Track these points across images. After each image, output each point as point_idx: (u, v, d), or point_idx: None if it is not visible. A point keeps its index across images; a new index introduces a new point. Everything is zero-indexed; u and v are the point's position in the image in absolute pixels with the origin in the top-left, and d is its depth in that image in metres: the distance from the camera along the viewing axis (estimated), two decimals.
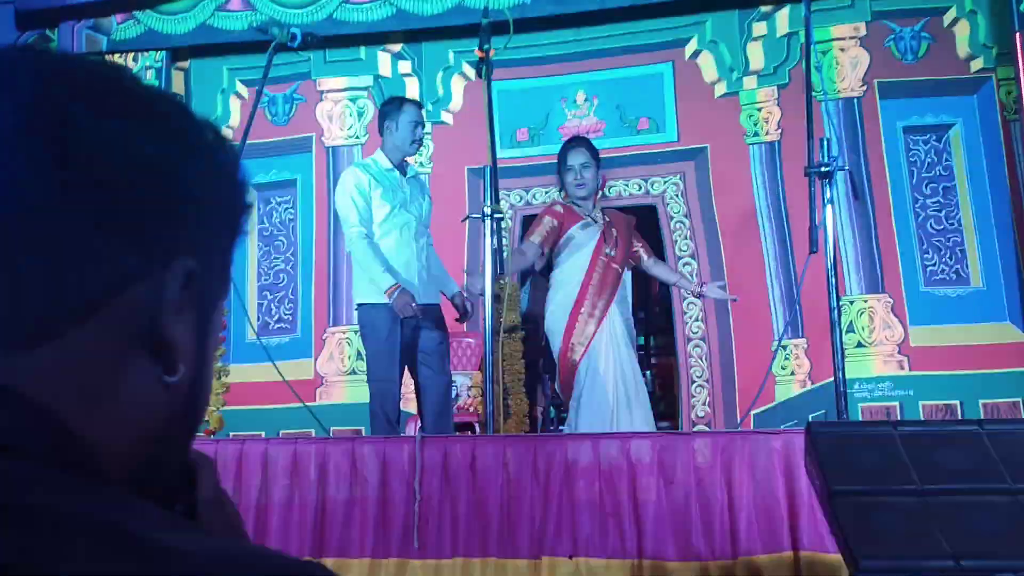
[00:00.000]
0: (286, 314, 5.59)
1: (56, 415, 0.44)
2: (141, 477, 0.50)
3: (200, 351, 0.52)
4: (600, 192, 4.44)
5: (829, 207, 3.01)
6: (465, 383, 5.03)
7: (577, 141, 4.38)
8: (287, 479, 2.82)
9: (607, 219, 4.31)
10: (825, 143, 2.97)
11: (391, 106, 3.94)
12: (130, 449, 0.48)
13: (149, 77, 5.60)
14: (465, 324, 4.27)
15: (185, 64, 5.89)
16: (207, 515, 0.59)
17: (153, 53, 5.67)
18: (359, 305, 3.81)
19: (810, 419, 4.27)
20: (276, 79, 5.61)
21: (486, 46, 3.44)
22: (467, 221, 3.96)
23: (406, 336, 3.70)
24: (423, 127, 3.94)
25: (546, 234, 4.20)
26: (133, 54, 5.63)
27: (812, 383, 4.93)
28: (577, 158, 4.21)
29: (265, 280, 5.65)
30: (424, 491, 2.71)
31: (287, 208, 5.71)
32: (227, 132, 5.53)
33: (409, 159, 4.01)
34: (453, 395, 5.10)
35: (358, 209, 3.72)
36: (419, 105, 4.04)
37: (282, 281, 5.63)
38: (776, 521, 2.66)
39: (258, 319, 5.54)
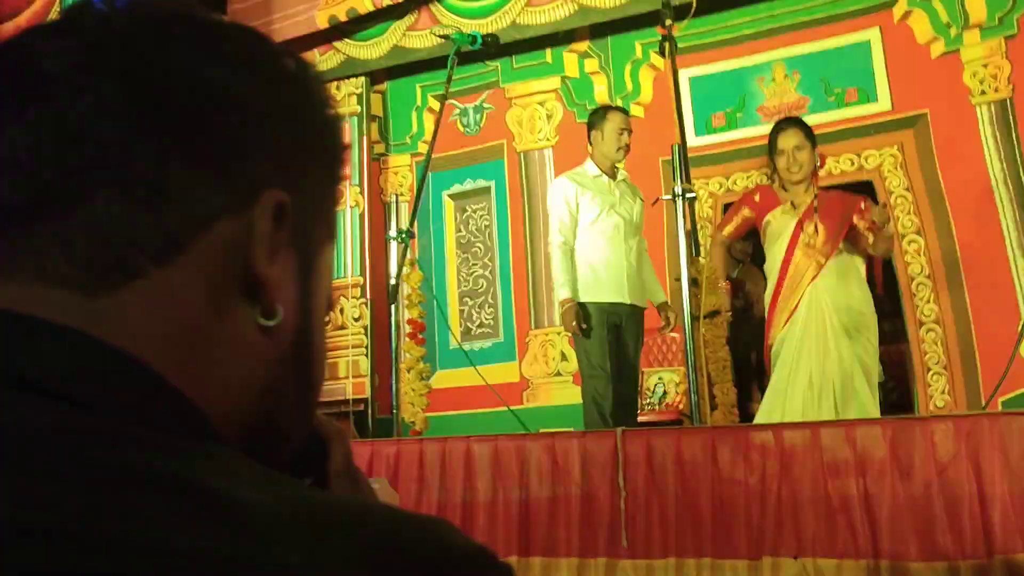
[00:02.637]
0: (487, 319, 5.64)
1: (141, 362, 0.40)
2: (257, 439, 0.46)
3: (304, 297, 0.48)
4: (817, 174, 4.01)
5: None
6: (672, 379, 4.84)
7: (788, 122, 4.01)
8: (489, 476, 2.77)
9: (815, 203, 3.92)
10: None
11: (596, 116, 4.07)
12: (234, 403, 0.45)
13: (352, 103, 5.84)
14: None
15: (383, 87, 6.12)
16: (338, 488, 0.57)
17: (353, 79, 5.91)
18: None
19: None
20: (465, 91, 5.72)
21: (668, 22, 3.28)
22: (658, 206, 3.80)
23: (610, 335, 3.79)
24: (629, 133, 3.98)
25: (739, 225, 4.00)
26: (336, 83, 5.90)
27: None
28: (790, 140, 3.85)
29: (465, 286, 5.73)
30: (629, 487, 2.57)
31: (483, 215, 5.78)
32: (422, 146, 5.70)
33: (619, 165, 4.09)
34: (661, 392, 4.93)
35: (562, 219, 3.89)
36: (624, 112, 4.12)
37: (481, 287, 5.70)
38: None
39: (460, 325, 5.63)
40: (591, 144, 4.02)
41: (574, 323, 3.71)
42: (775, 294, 3.86)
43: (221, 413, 0.43)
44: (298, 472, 0.54)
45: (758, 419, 3.69)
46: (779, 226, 3.90)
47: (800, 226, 3.86)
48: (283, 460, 0.51)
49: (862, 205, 3.91)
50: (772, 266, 3.92)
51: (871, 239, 3.83)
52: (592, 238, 3.85)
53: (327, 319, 0.53)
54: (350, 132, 5.76)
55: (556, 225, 3.90)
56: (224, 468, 0.37)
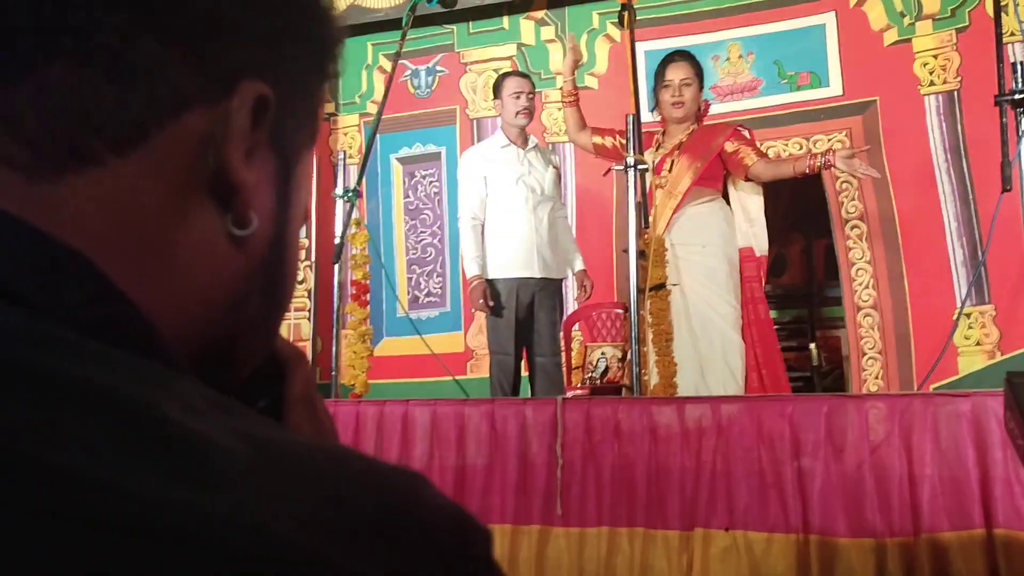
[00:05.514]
0: (435, 288, 5.59)
1: (86, 259, 0.35)
2: (213, 358, 0.41)
3: (281, 207, 0.43)
4: (701, 120, 3.77)
5: None
6: (616, 355, 4.85)
7: (679, 54, 3.81)
8: (427, 441, 2.74)
9: (683, 139, 3.62)
10: (1019, 67, 2.59)
11: (497, 83, 4.03)
12: (191, 316, 0.40)
13: None
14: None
15: None
16: (295, 416, 0.50)
17: None
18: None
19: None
20: (419, 52, 5.61)
21: None
22: (611, 175, 3.77)
23: (522, 310, 3.79)
24: (529, 96, 3.91)
25: (601, 146, 3.78)
26: None
27: (1002, 354, 4.44)
28: (678, 72, 3.66)
29: (413, 254, 5.67)
30: (566, 456, 2.56)
31: (432, 182, 5.70)
32: (371, 106, 5.59)
33: (529, 131, 4.04)
34: (603, 368, 4.94)
35: (470, 194, 3.86)
36: (522, 76, 4.07)
37: (430, 255, 5.63)
38: (965, 495, 2.34)
39: (408, 293, 5.57)
40: (498, 113, 4.01)
41: (481, 301, 3.70)
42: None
43: (174, 326, 0.38)
44: (250, 395, 0.48)
45: None
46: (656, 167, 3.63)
47: (661, 165, 3.61)
48: (237, 382, 0.45)
49: (739, 129, 3.68)
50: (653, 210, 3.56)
51: (749, 158, 3.54)
52: (500, 212, 3.82)
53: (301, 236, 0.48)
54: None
55: (465, 201, 3.88)
56: (175, 393, 0.32)
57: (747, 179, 3.64)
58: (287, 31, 0.42)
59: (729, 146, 3.60)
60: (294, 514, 0.30)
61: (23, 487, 0.27)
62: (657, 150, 3.63)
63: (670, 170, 3.54)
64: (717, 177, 3.65)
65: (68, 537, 0.27)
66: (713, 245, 3.54)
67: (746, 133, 3.72)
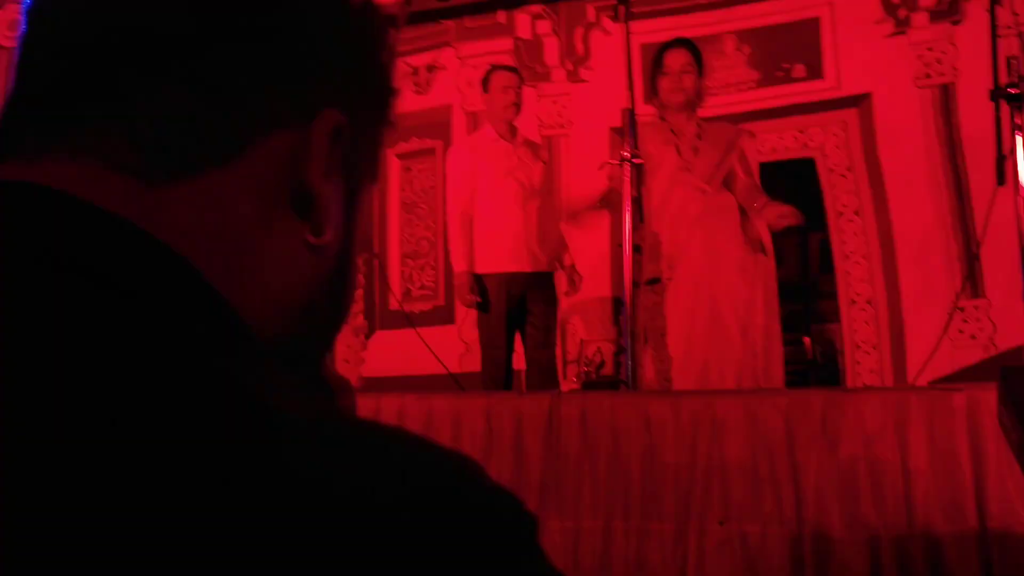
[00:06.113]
0: (429, 281, 5.59)
1: (187, 260, 0.41)
2: (284, 356, 0.46)
3: (348, 224, 0.49)
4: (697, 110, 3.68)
5: (1020, 136, 2.64)
6: (612, 350, 4.85)
7: (679, 41, 3.72)
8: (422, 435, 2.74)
9: (698, 130, 3.55)
10: (1012, 62, 2.59)
11: (486, 77, 4.01)
12: (270, 316, 0.45)
13: None
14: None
15: None
16: None
17: None
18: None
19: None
20: (416, 49, 5.60)
21: None
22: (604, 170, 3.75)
23: (513, 305, 3.76)
24: (517, 90, 3.90)
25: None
26: None
27: (996, 348, 4.45)
28: (678, 59, 3.57)
29: (407, 247, 5.66)
30: (561, 450, 2.56)
31: (427, 176, 5.70)
32: None
33: (524, 124, 4.07)
34: (600, 362, 4.94)
35: (459, 188, 3.85)
36: (511, 70, 4.06)
37: (423, 249, 5.63)
38: (959, 489, 2.35)
39: (401, 287, 5.57)
40: (487, 107, 4.00)
41: (468, 295, 3.69)
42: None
43: (257, 324, 0.43)
44: None
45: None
46: (659, 157, 3.49)
47: (678, 152, 3.50)
48: None
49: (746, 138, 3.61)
50: (651, 202, 3.47)
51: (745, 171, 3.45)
52: (489, 206, 3.80)
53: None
54: None
55: (452, 193, 3.87)
56: (268, 374, 0.38)
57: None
58: (361, 78, 0.50)
59: (734, 159, 3.52)
60: (389, 488, 0.34)
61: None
62: (665, 143, 3.49)
63: (695, 155, 3.43)
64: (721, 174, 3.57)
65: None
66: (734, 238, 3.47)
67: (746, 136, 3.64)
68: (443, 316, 5.44)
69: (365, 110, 0.50)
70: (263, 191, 0.44)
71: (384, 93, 0.52)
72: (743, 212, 3.42)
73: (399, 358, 5.14)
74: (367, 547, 0.33)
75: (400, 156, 5.74)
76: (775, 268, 3.65)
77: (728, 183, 3.50)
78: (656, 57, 3.66)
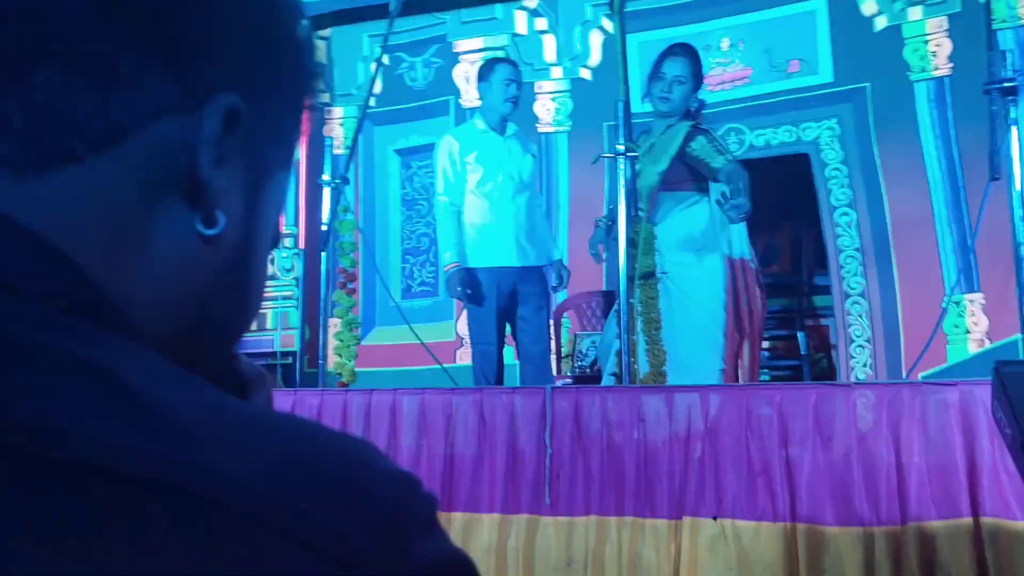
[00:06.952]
0: (428, 277, 5.59)
1: (63, 252, 0.38)
2: (176, 353, 0.43)
3: (250, 215, 0.46)
4: (692, 116, 3.60)
5: (1014, 130, 2.63)
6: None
7: (682, 49, 3.63)
8: (415, 431, 2.73)
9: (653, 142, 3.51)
10: (1007, 55, 2.59)
11: (485, 68, 3.96)
12: (159, 310, 0.43)
13: None
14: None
15: (326, 33, 5.93)
16: None
17: None
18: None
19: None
20: (413, 44, 5.59)
21: None
22: (598, 164, 3.74)
23: (503, 300, 3.73)
24: (518, 85, 3.87)
25: None
26: None
27: (991, 342, 4.46)
28: (674, 67, 3.49)
29: (407, 244, 5.68)
30: (555, 444, 2.55)
31: (427, 172, 5.68)
32: (371, 102, 5.57)
33: (519, 121, 4.02)
34: (591, 357, 4.94)
35: (446, 178, 3.80)
36: (513, 64, 4.01)
37: (424, 245, 5.63)
38: (953, 484, 2.35)
39: (401, 283, 5.58)
40: (480, 97, 3.94)
41: (458, 288, 3.65)
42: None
43: (143, 317, 0.41)
44: None
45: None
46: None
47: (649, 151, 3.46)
48: None
49: (697, 128, 3.51)
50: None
51: (715, 161, 3.39)
52: (478, 199, 3.76)
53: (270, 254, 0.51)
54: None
55: (441, 185, 3.82)
56: (143, 365, 0.36)
57: (717, 180, 3.51)
58: (267, 60, 0.46)
59: (693, 148, 3.45)
60: (249, 464, 0.34)
61: (15, 438, 0.32)
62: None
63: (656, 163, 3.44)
64: (686, 180, 3.53)
65: (49, 478, 0.31)
66: (704, 249, 3.47)
67: (710, 131, 3.56)
68: (441, 311, 5.45)
69: (274, 95, 0.47)
70: (148, 178, 0.42)
71: (298, 77, 0.49)
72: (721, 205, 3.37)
73: (397, 353, 5.13)
74: (235, 534, 0.32)
75: (399, 152, 5.74)
76: (755, 266, 3.62)
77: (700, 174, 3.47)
78: (656, 58, 3.64)
